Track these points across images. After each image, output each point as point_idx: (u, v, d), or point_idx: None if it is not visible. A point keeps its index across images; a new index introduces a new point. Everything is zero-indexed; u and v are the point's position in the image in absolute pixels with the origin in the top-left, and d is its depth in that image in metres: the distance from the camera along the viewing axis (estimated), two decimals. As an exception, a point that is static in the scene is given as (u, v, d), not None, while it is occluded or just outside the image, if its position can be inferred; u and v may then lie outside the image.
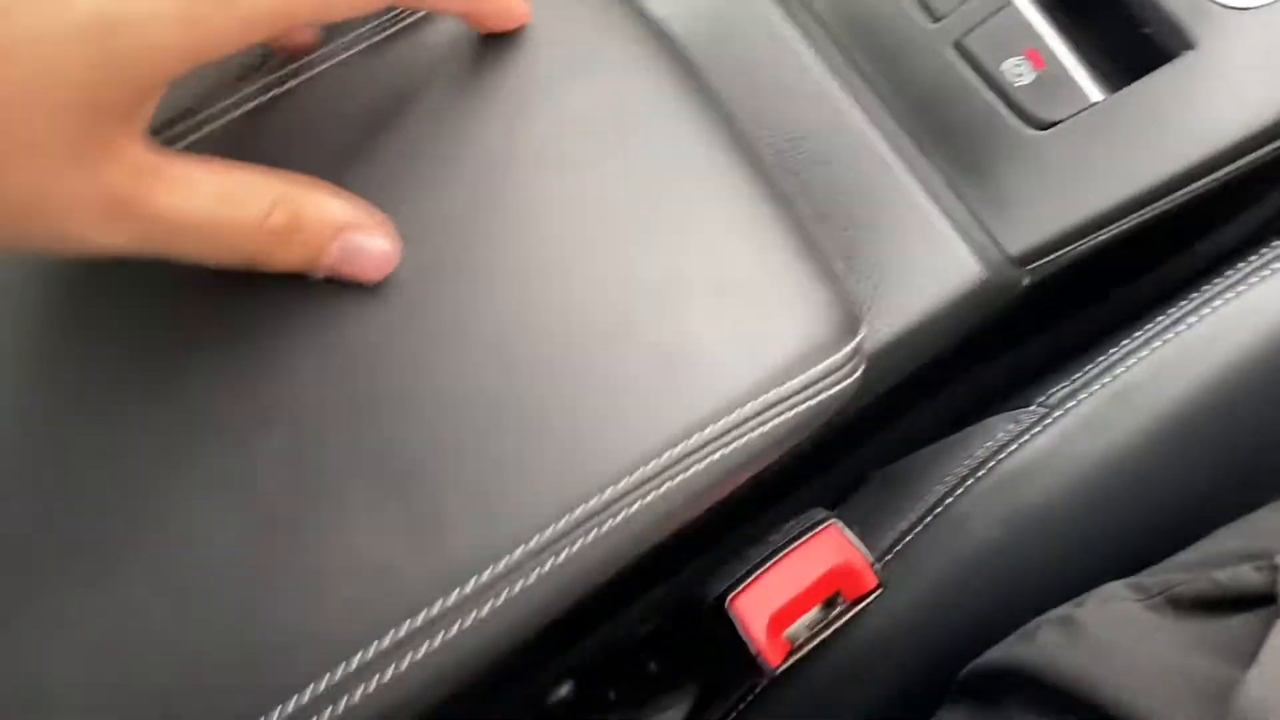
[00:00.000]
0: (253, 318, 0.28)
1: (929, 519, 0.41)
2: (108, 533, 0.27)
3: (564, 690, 0.53)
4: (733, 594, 0.37)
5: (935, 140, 0.39)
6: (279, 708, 0.26)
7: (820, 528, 0.39)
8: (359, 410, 0.28)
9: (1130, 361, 0.39)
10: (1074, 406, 0.40)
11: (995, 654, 0.37)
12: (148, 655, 0.26)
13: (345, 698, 0.27)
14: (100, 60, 0.22)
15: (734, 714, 0.43)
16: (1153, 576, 0.35)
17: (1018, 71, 0.39)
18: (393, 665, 0.27)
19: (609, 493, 0.28)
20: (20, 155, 0.23)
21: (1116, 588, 0.36)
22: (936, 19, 0.40)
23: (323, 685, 0.27)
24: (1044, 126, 0.39)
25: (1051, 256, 0.39)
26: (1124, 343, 0.40)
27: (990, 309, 0.39)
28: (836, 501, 0.46)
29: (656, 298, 0.29)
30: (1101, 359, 0.40)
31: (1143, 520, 0.40)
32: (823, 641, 0.42)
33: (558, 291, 0.29)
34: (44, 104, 0.22)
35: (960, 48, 0.40)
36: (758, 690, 0.43)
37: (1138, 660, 0.32)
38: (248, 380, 0.28)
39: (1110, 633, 0.33)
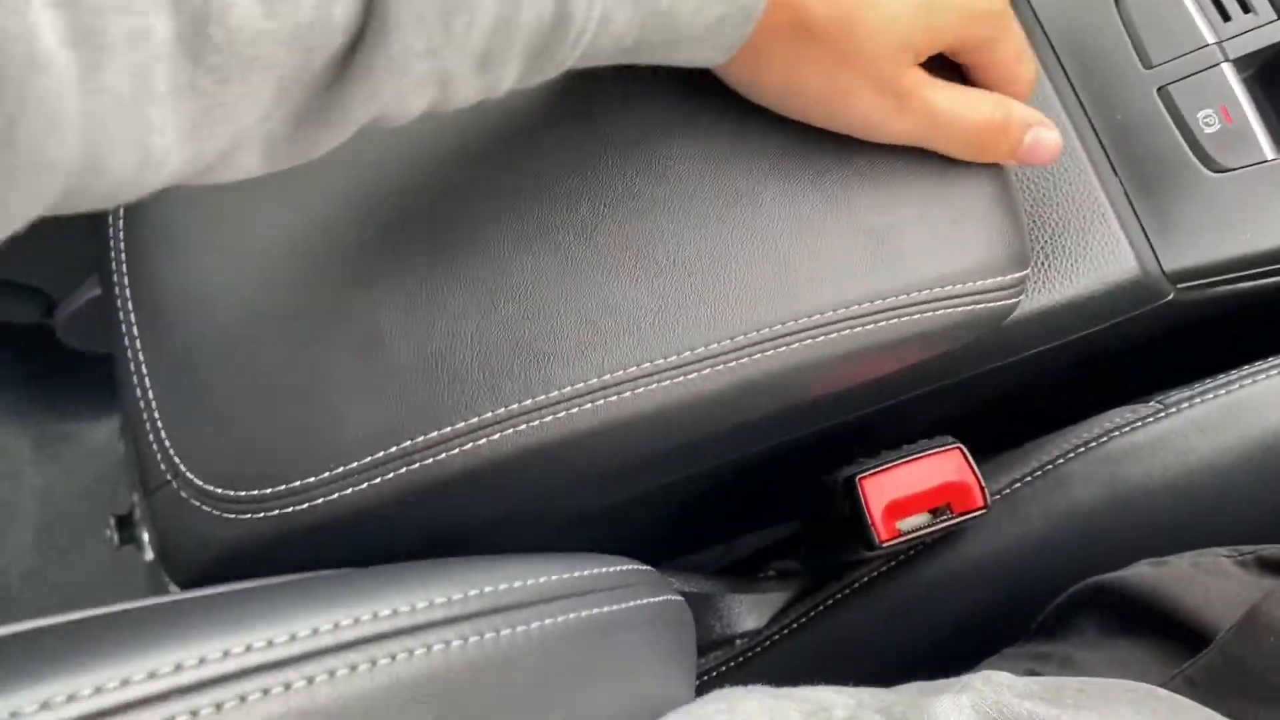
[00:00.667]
0: (581, 133, 0.38)
1: (1038, 473, 0.48)
2: (448, 255, 0.37)
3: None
4: (862, 475, 0.45)
5: (1124, 160, 0.47)
6: (531, 397, 0.36)
7: (947, 447, 0.46)
8: (646, 206, 0.37)
9: (1248, 381, 0.46)
10: (1188, 408, 0.46)
11: (1077, 587, 0.44)
12: (459, 334, 0.36)
13: (576, 407, 0.36)
14: (924, 24, 0.35)
15: (832, 600, 0.51)
16: (1252, 547, 0.41)
17: (1208, 120, 0.47)
18: (615, 395, 0.36)
19: (801, 321, 0.37)
20: (864, 73, 0.35)
21: (1216, 549, 0.42)
22: (1149, 66, 0.48)
23: (563, 393, 0.36)
24: (1220, 171, 0.46)
25: (1200, 281, 0.46)
26: (1246, 367, 0.46)
27: (1134, 309, 0.46)
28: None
29: (876, 185, 0.38)
30: (1223, 376, 0.47)
31: (1238, 521, 0.46)
32: (922, 554, 0.49)
33: (802, 168, 0.38)
34: (888, 45, 0.35)
35: (1164, 94, 0.47)
36: (855, 586, 0.51)
37: (1214, 588, 0.38)
38: (568, 171, 0.38)
39: (1197, 569, 0.40)
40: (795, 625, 0.52)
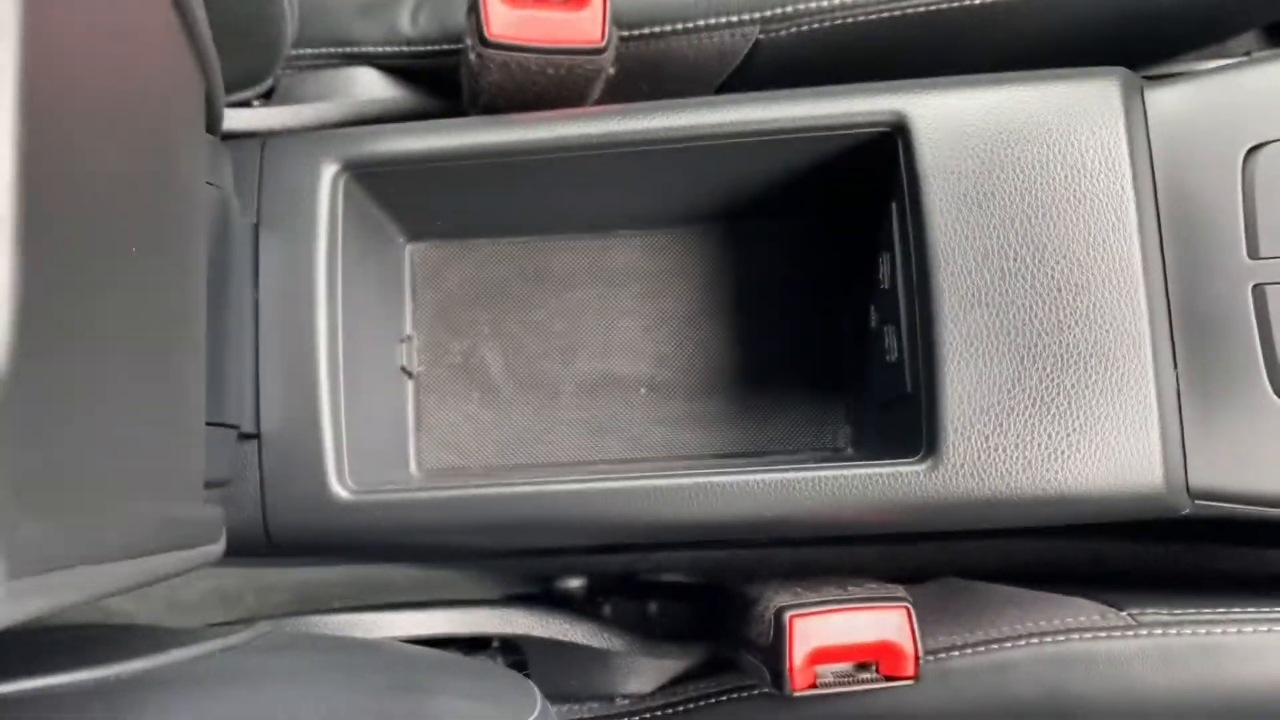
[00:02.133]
0: None
1: (981, 648, 0.44)
2: None
3: (574, 583, 0.57)
4: (796, 613, 0.41)
5: (1189, 353, 0.41)
6: None
7: (896, 604, 0.42)
8: None
9: (1232, 629, 0.42)
10: (1160, 635, 0.42)
11: None
12: None
13: None
14: None
15: (726, 697, 0.47)
16: None
17: (1293, 340, 0.41)
18: None
19: None
20: None
21: None
22: (1255, 256, 0.41)
23: None
24: (1287, 397, 0.41)
25: (1223, 505, 0.41)
26: (1234, 610, 0.42)
27: (1142, 517, 0.42)
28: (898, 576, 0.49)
29: None
30: (1208, 611, 0.42)
31: None
32: (836, 698, 0.45)
33: None
34: None
35: (1258, 292, 0.41)
36: (756, 692, 0.47)
37: None
38: None
39: None
40: (681, 708, 0.49)
